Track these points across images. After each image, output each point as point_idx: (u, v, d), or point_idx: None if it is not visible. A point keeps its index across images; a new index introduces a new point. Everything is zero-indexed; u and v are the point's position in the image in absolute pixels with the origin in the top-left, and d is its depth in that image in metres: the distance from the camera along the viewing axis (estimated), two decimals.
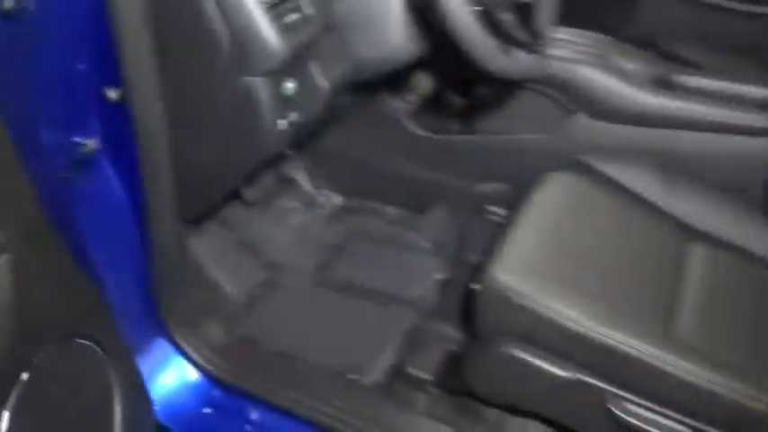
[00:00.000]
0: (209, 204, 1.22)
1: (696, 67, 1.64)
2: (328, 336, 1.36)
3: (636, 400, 0.97)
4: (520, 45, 1.04)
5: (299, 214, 1.70)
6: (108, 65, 0.87)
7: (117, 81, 0.89)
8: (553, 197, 1.21)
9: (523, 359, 1.01)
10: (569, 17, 2.02)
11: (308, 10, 0.94)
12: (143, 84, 0.88)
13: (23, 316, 0.63)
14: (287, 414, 1.13)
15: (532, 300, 0.98)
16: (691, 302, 1.06)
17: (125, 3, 0.81)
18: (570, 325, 0.96)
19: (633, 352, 0.94)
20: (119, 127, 0.93)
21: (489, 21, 0.97)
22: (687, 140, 1.34)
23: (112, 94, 0.91)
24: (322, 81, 1.03)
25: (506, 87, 1.46)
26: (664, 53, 1.76)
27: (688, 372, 0.93)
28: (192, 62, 0.91)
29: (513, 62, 1.00)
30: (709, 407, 0.93)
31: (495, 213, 1.53)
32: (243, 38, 0.86)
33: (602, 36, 1.53)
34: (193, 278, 1.34)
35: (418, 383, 1.20)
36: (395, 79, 1.54)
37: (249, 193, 1.50)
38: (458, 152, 1.58)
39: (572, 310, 0.97)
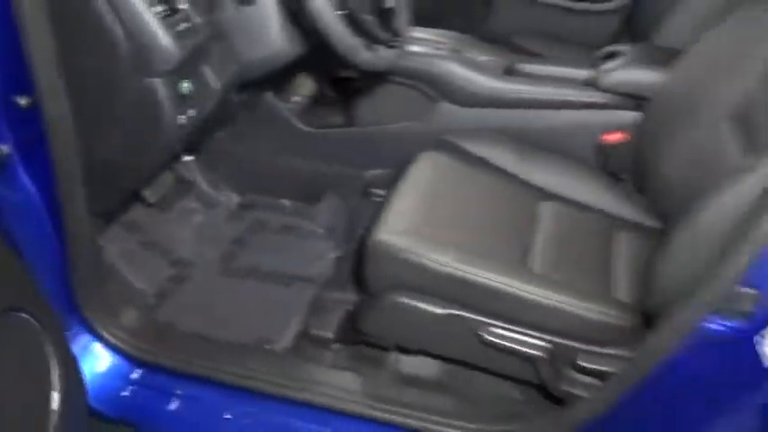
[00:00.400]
0: (119, 199, 1.32)
1: (538, 57, 1.92)
2: (239, 316, 1.49)
3: (501, 324, 1.17)
4: (380, 42, 1.23)
5: (199, 214, 1.81)
6: (17, 74, 0.97)
7: (27, 89, 0.99)
8: (425, 172, 1.41)
9: (407, 304, 1.19)
10: (436, 19, 2.28)
11: (197, 19, 1.09)
12: (52, 90, 0.98)
13: None
14: (207, 382, 1.26)
15: (410, 252, 1.16)
16: (542, 245, 1.29)
17: (31, 17, 0.92)
18: (443, 269, 1.15)
19: (496, 285, 1.15)
20: (30, 132, 1.03)
21: (353, 21, 1.16)
22: (532, 117, 1.59)
23: (23, 101, 1.01)
24: (214, 81, 1.18)
25: (378, 82, 1.66)
26: (513, 46, 2.04)
27: (542, 296, 1.14)
28: (96, 67, 1.02)
29: (375, 56, 1.19)
30: (561, 322, 1.15)
31: (379, 195, 1.72)
32: (142, 43, 0.99)
33: (458, 34, 1.77)
34: (106, 278, 1.43)
35: (323, 342, 1.36)
36: (280, 82, 1.71)
37: (150, 195, 1.60)
38: (342, 144, 1.76)
39: (444, 256, 1.16)
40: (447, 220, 1.28)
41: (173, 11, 1.04)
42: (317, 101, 1.83)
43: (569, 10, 2.22)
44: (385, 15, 1.30)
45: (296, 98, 1.76)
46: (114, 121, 1.08)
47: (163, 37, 1.00)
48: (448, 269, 1.15)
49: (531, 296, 1.14)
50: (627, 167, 1.52)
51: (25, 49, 0.93)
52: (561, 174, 1.51)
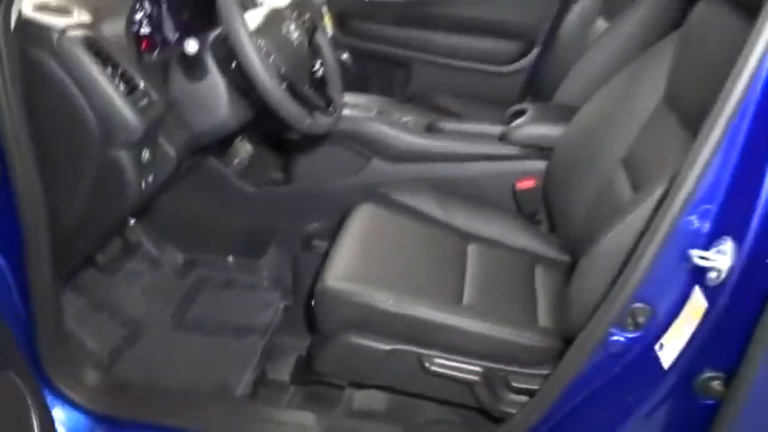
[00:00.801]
0: (78, 262, 1.39)
1: (455, 115, 2.13)
2: (195, 367, 1.57)
3: (441, 354, 1.31)
4: (319, 109, 1.38)
5: (145, 274, 1.88)
6: None
7: None
8: (362, 223, 1.55)
9: (357, 343, 1.32)
10: (363, 86, 2.49)
11: (154, 95, 1.21)
12: (23, 162, 1.07)
13: None
14: (169, 430, 1.32)
15: (356, 295, 1.29)
16: (473, 282, 1.44)
17: (5, 96, 1.01)
18: (387, 308, 1.28)
19: (434, 319, 1.29)
20: None
21: (294, 93, 1.31)
22: (454, 169, 1.78)
23: None
24: (169, 149, 1.29)
25: (315, 142, 1.82)
26: (432, 105, 2.24)
27: (475, 326, 1.29)
28: (65, 141, 1.12)
29: (315, 123, 1.34)
30: (493, 348, 1.30)
31: (321, 246, 1.85)
32: (109, 119, 1.10)
33: (382, 98, 1.96)
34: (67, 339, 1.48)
35: (280, 385, 1.46)
36: (221, 145, 1.83)
37: (101, 258, 1.67)
38: (282, 201, 1.89)
39: (386, 297, 1.30)
40: (386, 265, 1.42)
41: (133, 89, 1.16)
42: (255, 161, 1.95)
43: (479, 71, 2.48)
44: (319, 85, 1.46)
45: (236, 161, 1.88)
46: (80, 190, 1.18)
47: (128, 113, 1.11)
48: (391, 308, 1.28)
49: (466, 327, 1.29)
50: (539, 210, 1.72)
51: (2, 128, 1.02)
52: (483, 218, 1.69)
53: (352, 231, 1.51)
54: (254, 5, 1.53)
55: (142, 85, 1.18)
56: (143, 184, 1.22)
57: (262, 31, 1.27)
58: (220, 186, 1.87)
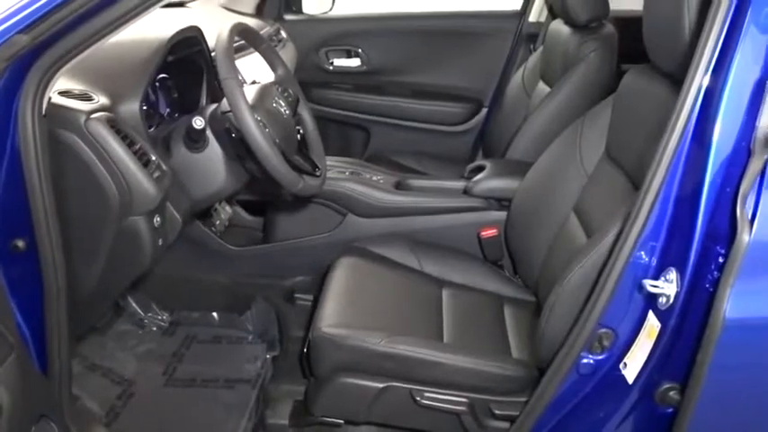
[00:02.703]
0: (94, 321, 1.47)
1: (417, 173, 2.32)
2: (191, 420, 1.65)
3: (428, 389, 1.44)
4: (308, 173, 1.54)
5: (133, 335, 1.95)
6: (18, 221, 1.16)
7: (25, 233, 1.17)
8: (345, 274, 1.69)
9: (351, 383, 1.44)
10: (326, 148, 2.65)
11: (164, 167, 1.34)
12: (48, 234, 1.18)
13: None
14: None
15: (349, 338, 1.42)
16: (450, 322, 1.59)
17: (36, 171, 1.13)
18: (377, 348, 1.41)
19: (420, 356, 1.43)
20: (23, 271, 1.20)
21: (288, 160, 1.46)
22: (423, 221, 1.95)
23: (20, 243, 1.18)
24: (176, 214, 1.42)
25: (292, 202, 1.96)
26: (393, 164, 2.43)
27: (457, 360, 1.43)
28: (86, 211, 1.23)
29: (307, 185, 1.49)
30: (475, 380, 1.44)
31: (303, 299, 1.97)
32: (129, 191, 1.23)
33: (351, 159, 2.13)
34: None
35: (280, 429, 1.56)
36: (204, 211, 1.95)
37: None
38: (263, 259, 2.01)
39: (377, 339, 1.43)
40: (372, 310, 1.56)
41: (147, 162, 1.29)
42: (235, 223, 2.08)
43: (434, 131, 2.70)
44: (302, 151, 1.62)
45: (218, 222, 2.00)
46: (99, 257, 1.28)
47: (147, 184, 1.24)
48: (382, 348, 1.42)
49: (451, 362, 1.43)
50: (502, 255, 1.91)
51: (30, 199, 1.13)
52: (453, 265, 1.85)
53: (336, 282, 1.65)
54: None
55: (154, 158, 1.31)
56: (155, 247, 1.33)
57: (256, 106, 1.42)
58: (204, 247, 1.97)
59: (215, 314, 2.04)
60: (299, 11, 2.72)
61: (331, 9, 2.72)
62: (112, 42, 1.45)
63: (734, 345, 0.98)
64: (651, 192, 1.07)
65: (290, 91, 1.64)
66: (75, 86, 1.26)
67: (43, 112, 1.16)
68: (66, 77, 1.26)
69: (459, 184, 2.01)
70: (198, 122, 1.36)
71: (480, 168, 2.03)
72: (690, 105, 1.03)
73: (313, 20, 2.73)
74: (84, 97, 1.25)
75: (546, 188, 1.74)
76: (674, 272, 1.07)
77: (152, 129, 1.52)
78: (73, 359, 1.72)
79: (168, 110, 1.64)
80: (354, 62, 2.71)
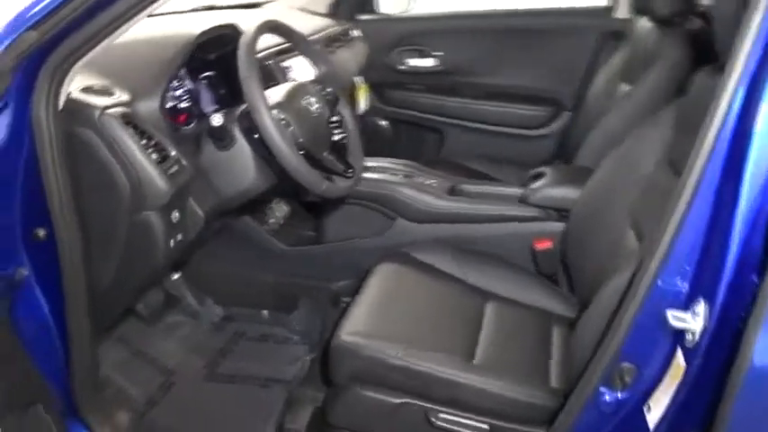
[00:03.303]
0: (115, 315, 1.52)
1: (484, 177, 2.21)
2: (221, 417, 1.66)
3: (447, 410, 1.35)
4: (337, 174, 1.49)
5: (185, 326, 2.00)
6: (38, 211, 1.21)
7: (45, 223, 1.22)
8: (381, 281, 1.63)
9: (366, 395, 1.37)
10: (399, 149, 2.62)
11: (184, 162, 1.34)
12: (66, 224, 1.22)
13: None
14: None
15: (366, 348, 1.36)
16: (487, 340, 1.48)
17: (51, 166, 1.17)
18: (394, 361, 1.34)
19: (441, 374, 1.33)
20: (45, 258, 1.25)
21: (311, 158, 1.42)
22: (475, 229, 1.84)
23: (41, 232, 1.24)
24: (198, 211, 1.43)
25: (344, 204, 1.92)
26: (462, 168, 2.33)
27: (482, 383, 1.33)
28: (100, 204, 1.26)
29: (333, 186, 1.44)
30: (498, 405, 1.33)
31: (347, 303, 1.92)
32: (140, 185, 1.24)
33: (407, 161, 2.06)
34: (103, 385, 1.60)
35: None
36: (257, 207, 1.96)
37: (143, 310, 1.80)
38: (313, 259, 1.99)
39: (396, 351, 1.35)
40: (401, 321, 1.48)
41: (165, 158, 1.30)
42: (289, 222, 2.08)
43: (509, 135, 2.56)
44: (338, 151, 1.57)
45: (272, 220, 2.01)
46: (115, 249, 1.31)
47: (158, 179, 1.25)
48: (399, 361, 1.34)
49: (473, 383, 1.33)
50: (557, 270, 1.75)
51: (47, 191, 1.18)
52: (502, 277, 1.73)
53: (370, 289, 1.59)
54: (285, 80, 1.69)
55: (173, 153, 1.32)
56: (172, 242, 1.34)
57: (282, 104, 1.40)
58: (255, 244, 1.99)
59: (265, 312, 2.05)
60: (374, 10, 2.68)
61: (409, 9, 2.66)
62: (141, 38, 1.50)
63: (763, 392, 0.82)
64: (682, 204, 0.92)
65: (330, 89, 1.60)
66: (98, 82, 1.29)
67: (60, 108, 1.20)
68: (91, 73, 1.30)
69: (517, 191, 1.88)
70: (216, 120, 1.35)
71: (541, 175, 1.89)
72: (725, 107, 0.88)
73: (386, 19, 2.68)
74: (105, 93, 1.28)
75: (605, 197, 1.58)
76: (703, 303, 0.91)
77: (191, 125, 1.54)
78: (122, 346, 1.82)
79: (215, 107, 1.65)
80: (428, 62, 2.62)
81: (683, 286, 0.96)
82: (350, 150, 1.61)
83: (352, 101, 2.46)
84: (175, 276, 2.01)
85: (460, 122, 2.63)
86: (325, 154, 1.50)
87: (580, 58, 2.42)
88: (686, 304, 0.95)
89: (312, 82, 1.57)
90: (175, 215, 1.34)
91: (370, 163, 1.99)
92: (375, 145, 2.79)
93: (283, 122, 1.38)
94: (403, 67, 2.66)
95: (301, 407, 1.59)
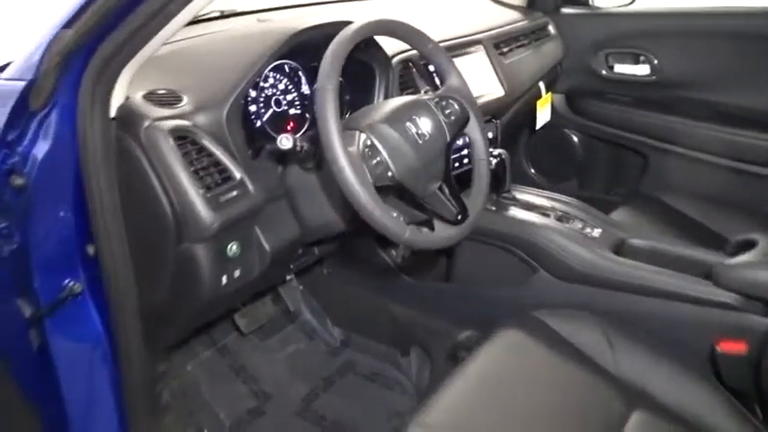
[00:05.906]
0: (174, 336, 1.40)
1: (686, 224, 1.69)
2: None
3: None
4: (438, 218, 1.16)
5: (296, 344, 1.85)
6: (87, 226, 1.11)
7: (93, 239, 1.12)
8: (493, 352, 1.28)
9: None
10: (591, 172, 2.18)
11: (250, 186, 1.14)
12: (111, 243, 1.10)
13: None
14: None
15: None
16: None
17: (98, 189, 1.05)
18: None
19: None
20: (97, 274, 1.16)
21: (405, 199, 1.12)
22: (635, 303, 1.38)
23: (90, 250, 1.14)
24: (265, 244, 1.22)
25: (479, 242, 1.58)
26: (663, 210, 1.82)
27: None
28: (146, 229, 1.12)
29: (423, 236, 1.12)
30: None
31: (464, 358, 1.60)
32: (182, 213, 1.06)
33: (571, 199, 1.63)
34: (189, 400, 1.50)
35: None
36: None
37: (245, 326, 1.67)
38: (438, 298, 1.69)
39: None
40: (501, 416, 1.14)
41: (225, 179, 1.11)
42: (420, 254, 1.79)
43: (733, 170, 1.94)
44: (453, 187, 1.22)
45: (398, 249, 1.75)
46: (162, 278, 1.16)
47: (201, 207, 1.05)
48: None
49: None
50: (747, 384, 1.23)
51: (89, 207, 1.06)
52: (664, 377, 1.27)
53: (477, 362, 1.26)
54: (433, 88, 1.39)
55: (237, 175, 1.12)
56: (224, 279, 1.16)
57: (376, 126, 1.11)
58: (382, 273, 1.75)
59: (383, 346, 1.81)
60: (584, 3, 2.21)
61: (632, 1, 2.15)
62: (229, 36, 1.32)
63: None
64: None
65: (456, 106, 1.25)
66: (167, 87, 1.14)
67: (112, 114, 1.07)
68: (162, 76, 1.16)
69: (710, 259, 1.36)
70: (284, 142, 1.10)
71: (751, 244, 1.34)
72: None
73: (596, 14, 2.19)
74: (169, 99, 1.12)
75: None
76: None
77: (299, 134, 1.34)
78: (222, 358, 1.72)
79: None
80: (642, 69, 2.08)
81: None
82: (473, 185, 1.27)
83: (533, 110, 2.07)
84: (294, 284, 1.86)
85: (672, 147, 2.06)
86: (433, 189, 1.18)
87: None
88: None
89: (433, 97, 1.24)
90: (233, 249, 1.15)
91: (520, 195, 1.62)
92: (558, 162, 2.37)
93: (368, 151, 1.09)
94: (608, 73, 2.16)
95: None
